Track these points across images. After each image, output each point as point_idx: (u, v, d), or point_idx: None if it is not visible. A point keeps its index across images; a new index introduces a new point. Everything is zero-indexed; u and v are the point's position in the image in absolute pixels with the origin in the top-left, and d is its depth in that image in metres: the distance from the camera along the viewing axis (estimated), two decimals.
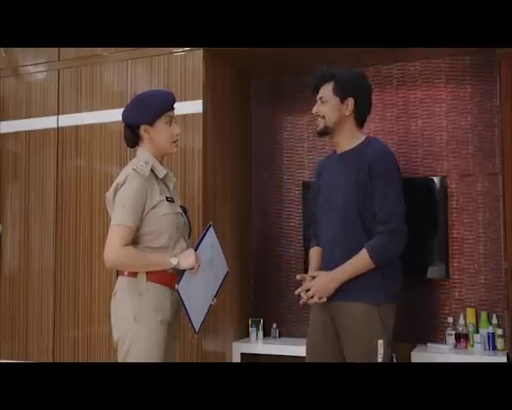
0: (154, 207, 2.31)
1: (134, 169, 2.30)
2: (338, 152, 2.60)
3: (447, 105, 3.42)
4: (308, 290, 2.44)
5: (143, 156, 2.38)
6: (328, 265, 2.47)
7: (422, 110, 3.46)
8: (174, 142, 2.44)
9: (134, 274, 2.30)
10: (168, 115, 2.40)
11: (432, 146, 3.42)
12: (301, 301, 2.48)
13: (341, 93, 2.51)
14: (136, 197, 2.27)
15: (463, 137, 3.37)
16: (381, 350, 2.35)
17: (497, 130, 3.25)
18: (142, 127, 2.38)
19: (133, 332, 2.26)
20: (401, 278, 2.49)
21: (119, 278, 2.37)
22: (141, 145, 2.43)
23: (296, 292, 2.50)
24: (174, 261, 2.28)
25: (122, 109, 2.45)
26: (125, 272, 2.32)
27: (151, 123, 2.37)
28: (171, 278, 2.30)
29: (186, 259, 2.29)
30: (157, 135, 2.38)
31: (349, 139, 2.54)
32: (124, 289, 2.32)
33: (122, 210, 2.25)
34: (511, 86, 2.94)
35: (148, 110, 2.37)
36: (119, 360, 2.30)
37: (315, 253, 2.64)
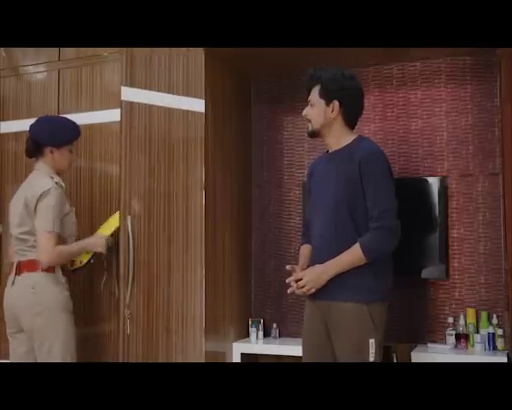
0: (66, 215, 2.89)
1: (57, 183, 2.85)
2: (329, 152, 2.62)
3: (447, 105, 3.41)
4: (299, 281, 2.45)
5: (46, 172, 2.89)
6: (317, 263, 2.48)
7: (422, 110, 3.46)
8: (70, 165, 3.09)
9: (51, 269, 2.81)
10: (73, 145, 3.04)
11: (432, 146, 3.42)
12: (289, 290, 2.50)
13: (326, 96, 2.53)
14: (61, 207, 2.84)
15: (463, 137, 3.36)
16: (372, 349, 2.36)
17: (497, 130, 3.25)
18: (49, 148, 2.89)
19: (64, 320, 2.82)
20: (391, 277, 2.50)
21: (29, 274, 2.80)
22: (41, 160, 2.93)
23: (287, 281, 2.52)
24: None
25: (39, 121, 2.97)
26: (40, 269, 2.79)
27: (58, 147, 2.92)
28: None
29: (100, 246, 3.03)
30: (60, 158, 2.95)
31: (338, 140, 2.56)
32: (47, 283, 2.81)
33: (52, 218, 2.77)
34: (511, 86, 2.93)
35: (59, 136, 2.92)
36: (47, 346, 2.81)
37: (305, 250, 2.67)
